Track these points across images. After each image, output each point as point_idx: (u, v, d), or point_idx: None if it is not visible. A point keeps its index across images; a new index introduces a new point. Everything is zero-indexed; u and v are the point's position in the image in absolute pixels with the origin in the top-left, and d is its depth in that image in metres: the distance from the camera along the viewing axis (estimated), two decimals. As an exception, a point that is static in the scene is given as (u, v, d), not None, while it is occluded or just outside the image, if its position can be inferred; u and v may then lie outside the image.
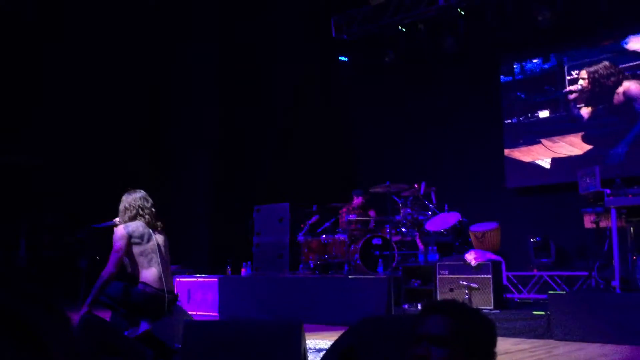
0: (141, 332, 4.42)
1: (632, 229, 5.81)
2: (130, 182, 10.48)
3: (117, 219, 4.67)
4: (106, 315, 4.71)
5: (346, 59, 11.67)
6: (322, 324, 6.83)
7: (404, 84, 11.03)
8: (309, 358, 3.76)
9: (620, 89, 9.00)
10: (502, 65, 10.29)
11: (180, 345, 4.54)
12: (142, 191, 4.64)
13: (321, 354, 4.73)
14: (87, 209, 11.09)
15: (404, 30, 10.45)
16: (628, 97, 8.96)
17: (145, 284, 4.41)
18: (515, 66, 10.21)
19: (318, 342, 5.46)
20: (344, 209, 8.40)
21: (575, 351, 4.92)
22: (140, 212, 4.50)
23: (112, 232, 4.61)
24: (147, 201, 4.59)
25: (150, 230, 4.52)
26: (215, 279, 8.59)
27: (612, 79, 9.12)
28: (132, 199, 4.55)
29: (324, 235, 8.01)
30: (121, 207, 4.57)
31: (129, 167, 11.43)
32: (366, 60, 11.18)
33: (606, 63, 9.22)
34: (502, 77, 10.29)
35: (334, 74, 11.71)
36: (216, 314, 8.30)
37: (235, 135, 11.03)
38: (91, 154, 11.17)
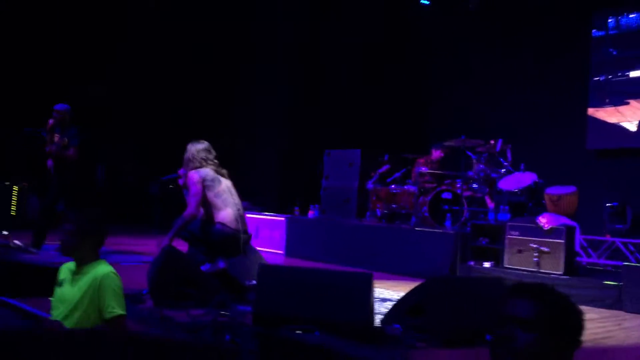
0: (217, 268, 4.64)
1: None
2: (200, 124, 10.80)
3: (181, 170, 4.92)
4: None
5: (427, 2, 11.27)
6: (386, 272, 6.92)
7: (487, 34, 10.58)
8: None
9: None
10: (595, 19, 9.68)
11: (252, 282, 4.76)
12: (206, 142, 4.87)
13: (385, 304, 4.84)
14: (159, 141, 11.58)
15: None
16: None
17: (223, 224, 4.61)
18: (610, 20, 9.58)
19: (382, 292, 5.56)
20: (421, 160, 8.29)
21: (646, 326, 4.82)
22: (204, 163, 4.72)
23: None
24: (210, 152, 4.83)
25: (218, 176, 4.73)
26: (283, 219, 8.80)
27: None
28: (195, 150, 4.78)
29: (393, 185, 7.99)
30: (185, 157, 4.82)
31: (198, 107, 11.70)
32: (448, 5, 10.77)
33: None
34: (594, 31, 9.70)
35: (414, 19, 11.36)
36: (282, 251, 8.55)
37: (309, 78, 11.01)
38: (166, 93, 11.48)
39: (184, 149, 4.92)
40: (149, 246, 7.59)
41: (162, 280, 4.29)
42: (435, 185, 7.79)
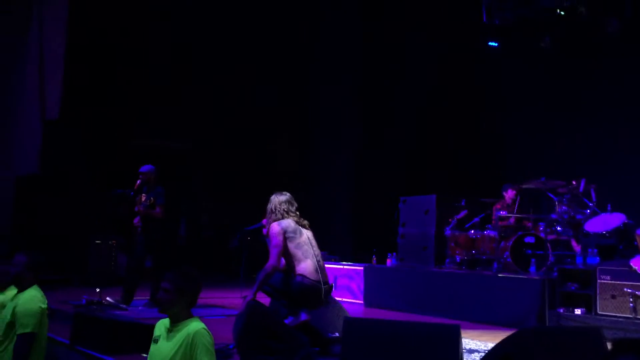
0: (300, 321, 4.67)
1: None
2: (278, 171, 11.02)
3: (264, 221, 5.05)
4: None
5: (496, 44, 11.22)
6: (469, 321, 6.73)
7: (561, 70, 10.38)
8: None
9: None
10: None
11: (335, 335, 4.75)
12: (288, 194, 5.00)
13: (472, 355, 4.70)
14: (237, 194, 11.90)
15: (562, 13, 9.81)
16: None
17: (303, 276, 4.67)
18: (692, 48, 9.20)
19: (468, 342, 5.40)
20: (497, 205, 8.15)
21: None
22: (286, 215, 4.83)
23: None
24: (292, 205, 4.95)
25: (299, 227, 4.83)
26: (361, 268, 8.76)
27: None
28: (278, 201, 4.91)
29: (472, 231, 7.84)
30: (268, 208, 4.95)
31: (278, 156, 12.00)
32: (519, 45, 10.68)
33: None
34: (675, 61, 9.32)
35: (483, 61, 11.32)
36: (361, 301, 8.49)
37: (380, 123, 11.10)
38: (237, 140, 11.88)
39: (263, 201, 5.06)
40: (233, 299, 7.76)
41: (248, 334, 4.35)
42: (515, 229, 7.58)
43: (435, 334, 3.66)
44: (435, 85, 11.15)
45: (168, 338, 3.01)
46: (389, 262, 8.86)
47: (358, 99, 11.46)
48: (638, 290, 5.74)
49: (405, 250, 8.64)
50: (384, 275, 8.48)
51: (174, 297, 2.98)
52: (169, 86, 11.13)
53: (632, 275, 5.80)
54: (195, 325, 2.99)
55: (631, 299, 5.76)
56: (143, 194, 7.02)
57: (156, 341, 3.07)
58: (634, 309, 5.74)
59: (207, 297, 7.75)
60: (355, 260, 9.54)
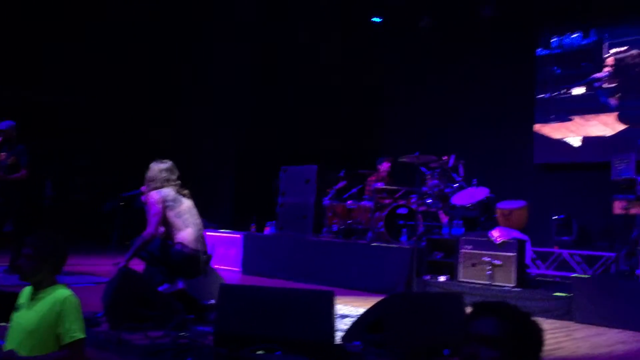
0: (176, 288, 4.59)
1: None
2: (159, 138, 10.57)
3: (143, 188, 4.88)
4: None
5: (379, 20, 11.50)
6: (343, 288, 6.96)
7: (438, 51, 10.88)
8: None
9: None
10: (539, 38, 10.09)
11: (211, 302, 4.72)
12: (169, 162, 4.88)
13: (344, 320, 4.87)
14: (115, 155, 11.34)
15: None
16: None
17: (183, 245, 4.58)
18: (553, 39, 10.00)
19: (341, 308, 5.57)
20: (372, 177, 8.44)
21: (595, 336, 5.00)
22: (166, 183, 4.71)
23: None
24: (173, 173, 4.84)
25: (180, 196, 4.76)
26: (240, 235, 8.75)
27: (638, 69, 8.96)
28: (158, 169, 4.78)
29: (350, 201, 8.07)
30: (148, 175, 4.79)
31: (155, 127, 11.56)
32: (400, 23, 11.02)
33: (633, 52, 9.04)
34: (538, 50, 10.10)
35: (367, 37, 11.57)
36: (239, 269, 8.49)
37: (265, 95, 11.02)
38: (119, 97, 11.29)
39: (142, 167, 4.87)
40: (104, 266, 7.43)
41: (118, 302, 4.21)
42: (390, 200, 7.91)
43: (310, 300, 3.75)
44: (324, 61, 11.24)
45: (30, 306, 2.83)
46: (267, 230, 8.92)
47: (245, 66, 11.27)
48: (495, 259, 6.23)
49: (284, 219, 8.73)
50: (262, 243, 8.54)
51: (36, 264, 2.79)
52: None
53: (491, 245, 6.29)
54: (61, 293, 2.82)
55: (489, 267, 6.24)
56: (2, 153, 6.46)
57: (18, 309, 2.87)
58: (491, 276, 6.23)
59: (75, 263, 7.35)
60: (234, 228, 9.50)
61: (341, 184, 8.30)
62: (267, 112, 10.93)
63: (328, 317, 3.63)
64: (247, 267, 8.40)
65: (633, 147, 8.37)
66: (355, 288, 7.00)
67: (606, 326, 5.35)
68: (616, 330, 5.22)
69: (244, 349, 3.38)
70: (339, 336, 3.94)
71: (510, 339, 1.72)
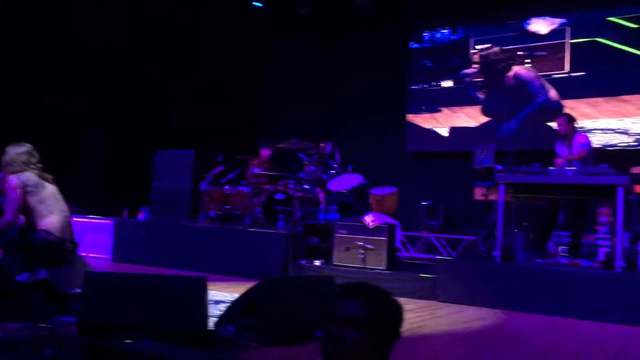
0: (37, 278, 4.30)
1: (516, 203, 6.31)
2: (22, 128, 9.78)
3: (1, 174, 4.54)
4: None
5: (260, 5, 11.43)
6: (220, 274, 6.92)
7: (318, 38, 11.02)
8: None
9: (511, 73, 9.60)
10: (412, 32, 10.55)
11: (77, 291, 4.47)
12: (28, 145, 4.57)
13: (219, 306, 4.83)
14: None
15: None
16: (520, 80, 9.56)
17: (47, 232, 4.31)
18: (425, 34, 10.50)
19: (216, 294, 5.53)
20: (254, 162, 8.40)
21: (455, 313, 5.36)
22: (25, 167, 4.42)
23: None
24: (33, 156, 4.53)
25: (42, 181, 4.48)
26: (110, 222, 8.37)
27: (502, 64, 9.69)
28: (16, 153, 4.48)
29: (227, 186, 7.99)
30: (4, 160, 4.46)
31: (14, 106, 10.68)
32: (280, 9, 11.02)
33: (496, 49, 9.75)
34: (411, 43, 10.56)
35: (248, 21, 11.45)
36: (109, 257, 8.13)
37: (138, 75, 10.56)
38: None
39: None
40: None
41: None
42: (269, 186, 7.94)
43: (181, 286, 3.67)
44: (203, 41, 10.95)
45: None
46: (140, 216, 8.61)
47: (114, 46, 10.68)
48: (367, 243, 6.47)
49: (159, 204, 8.48)
50: (135, 230, 8.23)
51: None
52: None
53: (364, 229, 6.52)
54: None
55: (362, 251, 6.47)
56: None
57: None
58: (364, 260, 6.47)
59: None
60: (105, 214, 9.07)
61: (219, 169, 8.19)
62: (141, 93, 10.48)
63: (200, 303, 3.57)
64: (119, 254, 8.06)
65: (494, 138, 9.05)
66: (232, 274, 6.97)
67: (466, 304, 5.75)
68: (475, 308, 5.62)
69: (109, 338, 3.24)
70: (212, 322, 3.90)
71: (373, 319, 1.79)
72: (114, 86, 10.57)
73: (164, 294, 3.56)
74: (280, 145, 8.07)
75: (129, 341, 3.29)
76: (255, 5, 11.35)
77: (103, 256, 8.13)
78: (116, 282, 3.75)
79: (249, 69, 11.58)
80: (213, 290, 5.67)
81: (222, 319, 4.00)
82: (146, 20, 10.56)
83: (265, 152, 8.53)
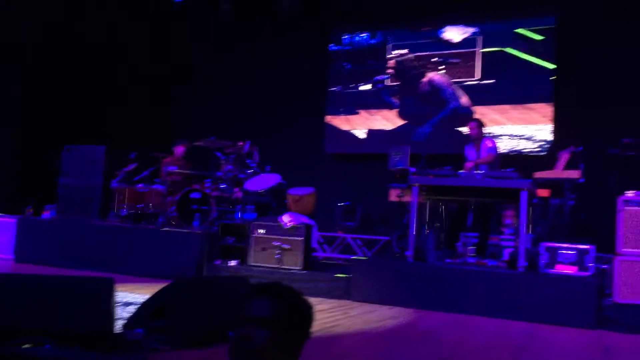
0: None
1: (429, 205, 6.51)
2: None
3: None
4: None
5: (179, 0, 11.16)
6: (132, 275, 6.69)
7: (239, 36, 10.91)
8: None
9: (426, 79, 9.91)
10: (333, 34, 10.65)
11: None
12: None
13: (129, 308, 4.66)
14: None
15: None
16: (433, 86, 9.88)
17: None
18: (345, 37, 10.63)
19: (126, 295, 5.34)
20: (167, 159, 8.19)
21: (368, 313, 5.45)
22: None
23: None
24: None
25: None
26: (13, 220, 7.91)
27: (417, 70, 9.98)
28: None
29: (141, 184, 7.74)
30: None
31: None
32: (202, 5, 10.82)
33: (411, 55, 10.04)
34: (331, 45, 10.66)
35: (168, 16, 11.16)
36: (11, 257, 7.68)
37: (49, 70, 10.05)
38: None
39: None
40: None
41: None
42: (183, 185, 7.77)
43: (87, 288, 3.51)
44: (119, 36, 10.57)
45: None
46: (46, 214, 8.19)
47: (21, 44, 10.11)
48: (284, 243, 6.46)
49: (67, 202, 8.08)
50: (40, 228, 7.81)
51: None
52: None
53: (281, 229, 6.50)
54: None
55: (278, 251, 6.45)
56: None
57: None
58: (280, 260, 6.45)
59: None
60: (7, 211, 8.55)
61: (132, 166, 7.93)
62: (52, 87, 9.97)
63: (106, 305, 3.43)
64: (22, 254, 7.62)
65: (409, 141, 9.30)
66: (145, 275, 6.76)
67: (380, 303, 5.86)
68: (388, 307, 5.74)
69: (6, 344, 3.04)
70: (121, 325, 3.76)
71: (281, 319, 1.77)
72: (25, 80, 10.01)
73: (67, 295, 3.39)
74: (197, 144, 7.90)
75: (28, 346, 3.11)
76: (174, 1, 11.06)
77: (4, 256, 7.67)
78: (15, 284, 3.53)
79: (166, 65, 11.28)
80: (122, 291, 5.47)
81: (131, 321, 3.86)
82: (58, 17, 10.09)
83: (179, 150, 8.34)
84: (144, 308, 3.91)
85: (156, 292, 3.92)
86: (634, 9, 8.27)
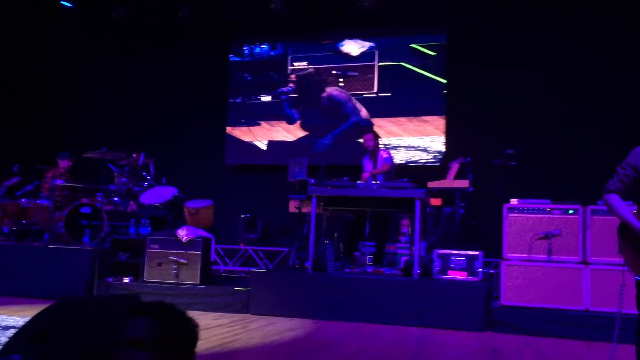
0: None
1: (328, 216, 6.55)
2: None
3: None
4: None
5: (71, 5, 10.66)
6: (14, 296, 6.25)
7: (132, 45, 10.55)
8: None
9: (325, 94, 10.05)
10: (232, 45, 10.55)
11: None
12: None
13: (8, 332, 4.34)
14: None
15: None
16: (333, 102, 10.02)
17: None
18: (245, 48, 10.56)
19: (5, 319, 4.97)
20: (50, 173, 7.72)
21: (268, 325, 5.38)
22: None
23: None
24: None
25: None
26: None
27: (317, 85, 10.11)
28: None
29: (24, 199, 7.25)
30: None
31: None
32: (93, 12, 10.37)
33: (311, 69, 10.17)
34: (232, 56, 10.55)
35: (54, 21, 10.59)
36: None
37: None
38: None
39: None
40: None
41: None
42: (72, 199, 7.36)
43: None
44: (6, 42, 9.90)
45: None
46: None
47: None
48: (181, 258, 6.27)
49: (-61, 220, 7.41)
50: None
51: None
52: None
53: (178, 243, 6.31)
54: None
55: (175, 266, 6.25)
56: None
57: None
58: (177, 275, 6.24)
59: None
60: None
61: (14, 180, 7.41)
62: None
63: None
64: None
65: (311, 152, 9.36)
66: (29, 296, 6.34)
67: (280, 316, 5.82)
68: (287, 319, 5.71)
69: None
70: (-5, 352, 3.46)
71: (162, 339, 1.68)
72: None
73: None
74: (87, 155, 7.51)
75: None
76: (63, 5, 10.54)
77: None
78: None
79: (52, 73, 10.68)
80: (2, 314, 5.10)
81: (8, 346, 3.56)
82: None
83: (64, 163, 7.89)
84: (23, 331, 3.62)
85: (37, 313, 3.65)
86: (513, 30, 8.82)
